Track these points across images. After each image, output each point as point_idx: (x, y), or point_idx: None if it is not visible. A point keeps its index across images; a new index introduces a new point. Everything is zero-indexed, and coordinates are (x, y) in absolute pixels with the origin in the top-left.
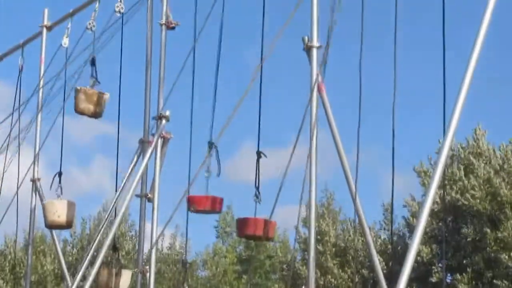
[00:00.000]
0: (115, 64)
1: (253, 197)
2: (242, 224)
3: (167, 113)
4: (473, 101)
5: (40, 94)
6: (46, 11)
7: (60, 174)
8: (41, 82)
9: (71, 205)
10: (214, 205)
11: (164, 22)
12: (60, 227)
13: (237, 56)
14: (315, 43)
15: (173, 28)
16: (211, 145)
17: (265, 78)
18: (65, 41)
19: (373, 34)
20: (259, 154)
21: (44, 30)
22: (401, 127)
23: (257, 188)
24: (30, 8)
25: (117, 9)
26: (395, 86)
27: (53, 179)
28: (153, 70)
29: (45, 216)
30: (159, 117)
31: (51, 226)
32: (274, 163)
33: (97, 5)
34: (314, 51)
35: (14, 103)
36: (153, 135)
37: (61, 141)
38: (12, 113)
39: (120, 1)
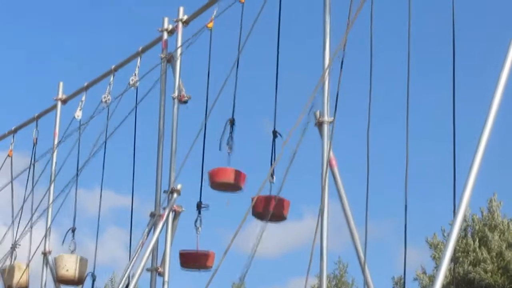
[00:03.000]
0: (128, 136)
1: (268, 178)
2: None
3: (179, 186)
4: (488, 170)
5: (53, 167)
6: (61, 84)
7: (73, 229)
8: (54, 155)
9: (82, 261)
10: (238, 180)
11: (176, 95)
12: (69, 282)
13: (252, 125)
14: (327, 118)
15: (185, 102)
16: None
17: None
18: (78, 114)
19: (386, 106)
20: (274, 133)
21: (59, 103)
22: (414, 198)
23: (273, 167)
24: (45, 80)
25: (131, 83)
26: (407, 158)
27: (66, 234)
28: (165, 143)
29: (55, 272)
30: (171, 191)
31: (60, 280)
32: (288, 235)
33: (111, 79)
34: (326, 126)
35: (28, 176)
36: (164, 208)
37: (75, 204)
38: (26, 185)
39: (135, 75)
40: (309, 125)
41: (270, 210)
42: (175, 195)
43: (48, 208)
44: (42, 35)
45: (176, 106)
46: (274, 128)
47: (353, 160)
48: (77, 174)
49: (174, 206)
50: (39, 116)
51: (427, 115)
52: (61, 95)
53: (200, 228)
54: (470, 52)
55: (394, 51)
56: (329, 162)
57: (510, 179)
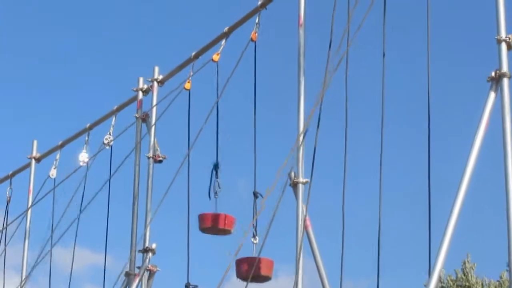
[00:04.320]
0: (103, 195)
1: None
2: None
3: (154, 246)
4: (462, 231)
5: (28, 225)
6: (35, 142)
7: None
8: (29, 213)
9: None
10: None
11: (151, 155)
12: None
13: (230, 185)
14: (301, 178)
15: (160, 161)
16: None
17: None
18: (53, 173)
19: (361, 166)
20: (255, 194)
21: (33, 161)
22: (388, 259)
23: (255, 227)
24: (18, 138)
25: (106, 142)
26: (380, 222)
27: None
28: (140, 202)
29: None
30: (145, 250)
31: None
32: None
33: (87, 138)
34: (300, 187)
35: (1, 235)
36: (139, 267)
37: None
38: None
39: (109, 134)
40: (285, 186)
41: (255, 271)
42: (149, 254)
43: (22, 266)
44: (15, 91)
45: (151, 165)
46: (255, 189)
47: (329, 220)
48: (52, 235)
49: (149, 265)
50: (13, 174)
51: (402, 175)
52: (35, 153)
53: None
54: (446, 113)
55: (370, 109)
56: (304, 222)
57: (484, 241)
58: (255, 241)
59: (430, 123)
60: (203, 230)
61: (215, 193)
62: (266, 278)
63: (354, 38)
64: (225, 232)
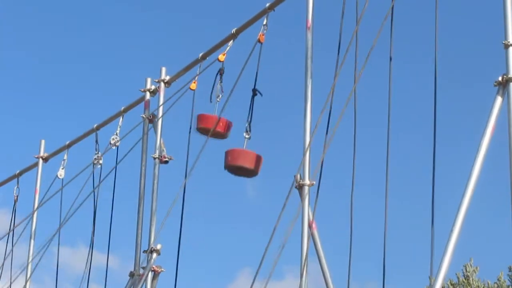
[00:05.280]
0: (108, 196)
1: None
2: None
3: (158, 246)
4: (464, 235)
5: (34, 225)
6: (43, 142)
7: None
8: (35, 213)
9: None
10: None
11: (157, 156)
12: None
13: (238, 189)
14: (307, 181)
15: (166, 162)
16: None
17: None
18: (61, 173)
19: (368, 168)
20: (254, 91)
21: (40, 161)
22: (394, 260)
23: (249, 123)
24: (26, 137)
25: (112, 142)
26: (386, 225)
27: None
28: (146, 203)
29: None
30: (150, 251)
31: None
32: None
33: (96, 139)
34: (306, 189)
35: (8, 234)
36: (143, 268)
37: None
38: (6, 245)
39: (116, 134)
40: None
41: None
42: (154, 255)
43: (27, 265)
44: (23, 91)
45: (157, 166)
46: (255, 87)
47: (335, 223)
48: (59, 234)
49: (154, 266)
50: (20, 174)
51: (408, 179)
52: (42, 153)
53: None
54: (453, 118)
55: (376, 112)
56: (309, 225)
57: (484, 244)
58: (247, 136)
59: (437, 127)
60: (199, 129)
61: (217, 96)
62: (251, 172)
63: (366, 60)
64: (220, 135)
